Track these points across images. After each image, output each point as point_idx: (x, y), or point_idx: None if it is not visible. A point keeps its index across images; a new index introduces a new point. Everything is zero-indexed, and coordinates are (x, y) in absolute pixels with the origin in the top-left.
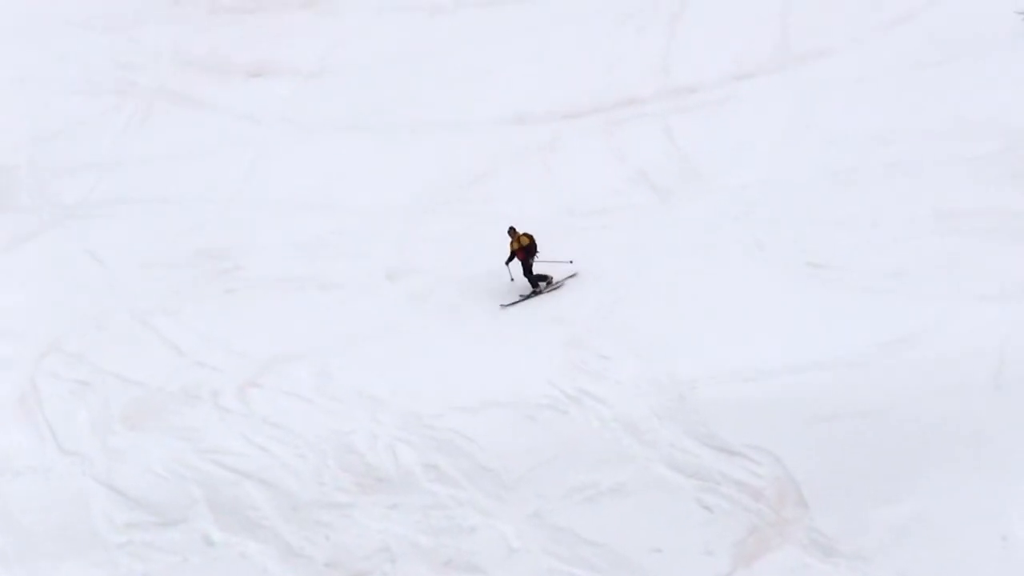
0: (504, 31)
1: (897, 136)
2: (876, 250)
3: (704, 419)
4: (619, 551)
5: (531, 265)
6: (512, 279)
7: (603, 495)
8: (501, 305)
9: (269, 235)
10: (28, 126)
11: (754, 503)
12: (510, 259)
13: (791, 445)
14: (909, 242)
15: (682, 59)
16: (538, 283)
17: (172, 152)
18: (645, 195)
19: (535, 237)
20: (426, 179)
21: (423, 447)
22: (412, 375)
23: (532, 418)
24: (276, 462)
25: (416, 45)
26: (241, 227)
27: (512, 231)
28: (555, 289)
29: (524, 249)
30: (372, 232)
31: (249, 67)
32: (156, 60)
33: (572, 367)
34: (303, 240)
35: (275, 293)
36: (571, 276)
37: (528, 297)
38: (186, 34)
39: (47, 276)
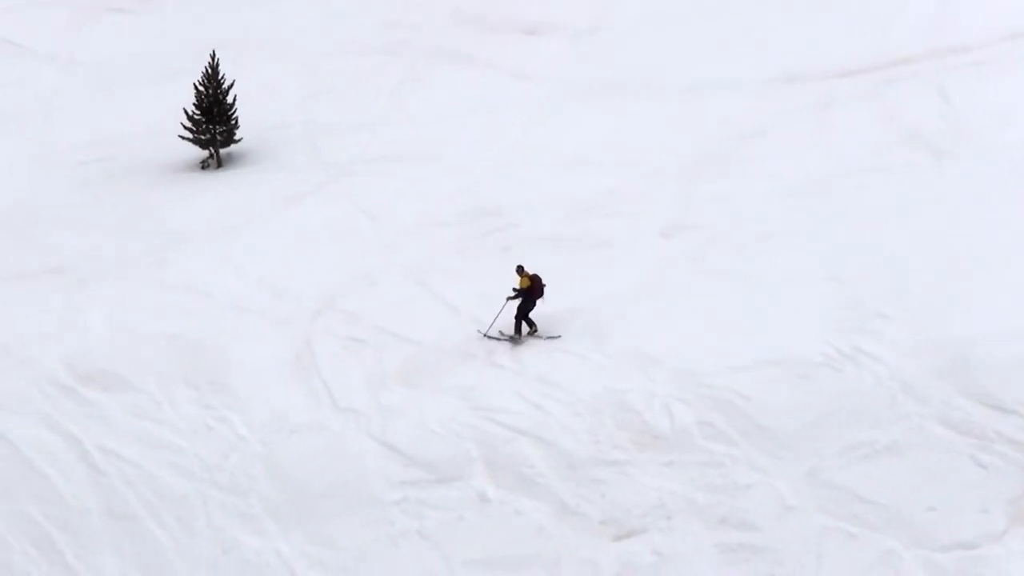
0: None
1: None
2: None
3: (979, 377)
4: (894, 509)
5: (530, 309)
6: (495, 320)
7: (878, 453)
8: (478, 331)
9: (542, 193)
10: (302, 85)
11: None
12: (515, 296)
13: None
14: None
15: (954, 18)
16: (520, 330)
17: (445, 110)
18: (918, 154)
19: (542, 280)
20: (698, 137)
21: (698, 405)
22: (686, 333)
23: (807, 376)
24: (551, 420)
25: (688, 4)
26: (514, 185)
27: (520, 269)
28: (531, 338)
29: (529, 290)
30: (645, 190)
31: (524, 25)
32: (429, 18)
33: (847, 325)
34: (576, 198)
35: (549, 251)
36: (554, 337)
37: (504, 339)
38: None
39: (321, 234)
